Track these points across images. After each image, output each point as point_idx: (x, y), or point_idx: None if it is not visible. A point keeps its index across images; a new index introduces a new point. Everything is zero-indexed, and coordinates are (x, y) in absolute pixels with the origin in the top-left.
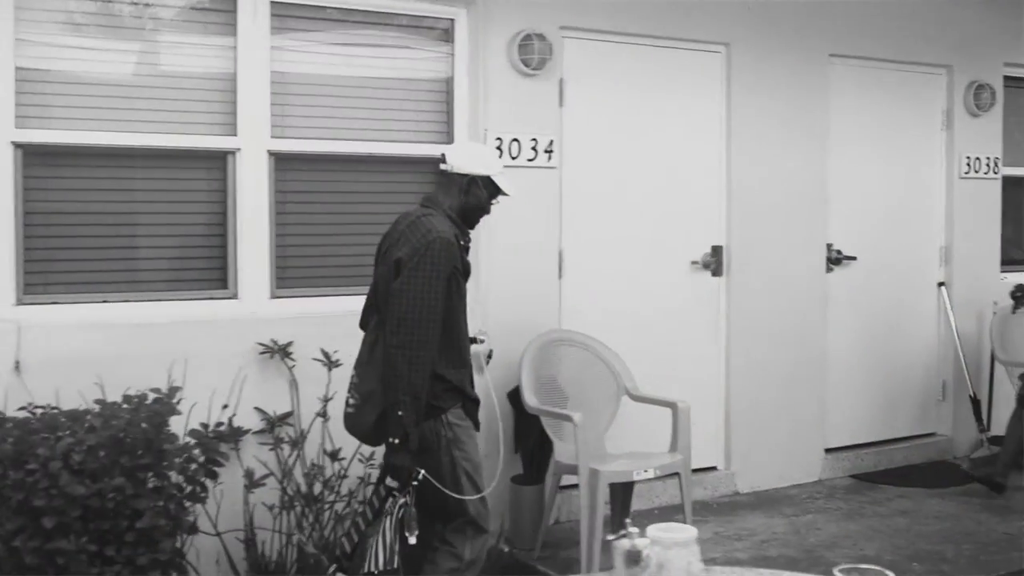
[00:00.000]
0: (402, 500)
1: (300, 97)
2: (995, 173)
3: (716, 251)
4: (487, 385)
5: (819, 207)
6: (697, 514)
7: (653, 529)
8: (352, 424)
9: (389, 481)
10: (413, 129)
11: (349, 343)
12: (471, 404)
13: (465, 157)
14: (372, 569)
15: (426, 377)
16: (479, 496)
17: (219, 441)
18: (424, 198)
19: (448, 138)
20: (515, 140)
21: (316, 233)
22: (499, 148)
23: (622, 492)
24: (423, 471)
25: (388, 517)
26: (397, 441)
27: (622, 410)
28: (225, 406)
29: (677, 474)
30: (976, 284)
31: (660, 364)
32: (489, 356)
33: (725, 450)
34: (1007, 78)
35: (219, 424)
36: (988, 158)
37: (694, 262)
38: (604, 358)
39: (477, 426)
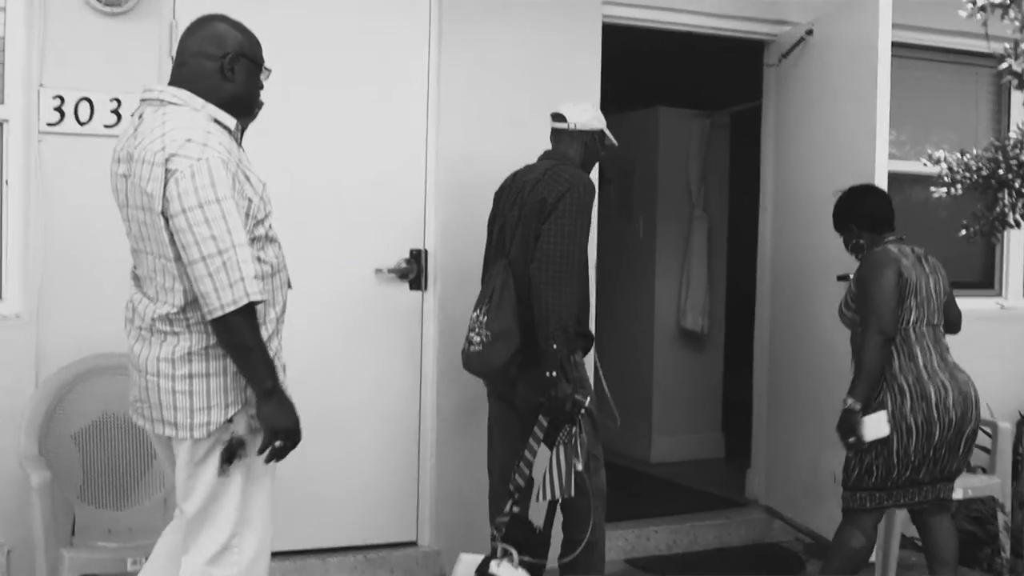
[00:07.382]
0: (573, 428)
1: None
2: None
3: (416, 257)
4: None
5: None
6: None
7: None
8: (479, 362)
9: (574, 399)
10: None
11: None
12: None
13: (584, 114)
14: (547, 498)
15: (573, 311)
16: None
17: None
18: (546, 153)
19: (1, 96)
20: (85, 100)
21: None
22: (59, 110)
23: None
24: (588, 398)
25: (560, 447)
26: (555, 374)
27: None
28: None
29: None
30: None
31: (333, 402)
32: None
33: (431, 520)
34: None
35: None
36: None
37: (379, 270)
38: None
39: None
